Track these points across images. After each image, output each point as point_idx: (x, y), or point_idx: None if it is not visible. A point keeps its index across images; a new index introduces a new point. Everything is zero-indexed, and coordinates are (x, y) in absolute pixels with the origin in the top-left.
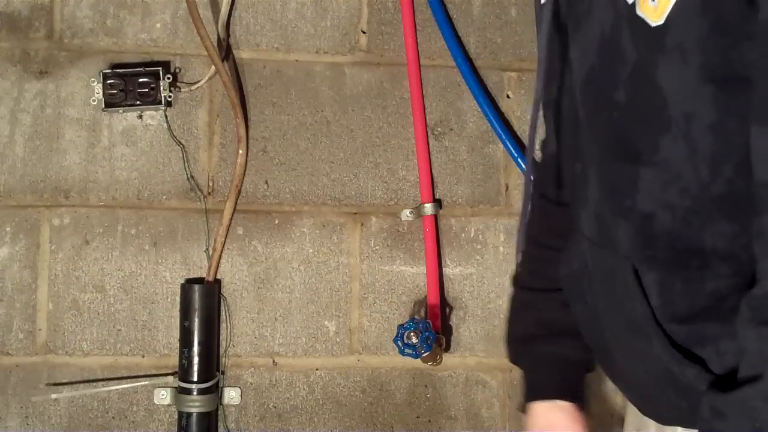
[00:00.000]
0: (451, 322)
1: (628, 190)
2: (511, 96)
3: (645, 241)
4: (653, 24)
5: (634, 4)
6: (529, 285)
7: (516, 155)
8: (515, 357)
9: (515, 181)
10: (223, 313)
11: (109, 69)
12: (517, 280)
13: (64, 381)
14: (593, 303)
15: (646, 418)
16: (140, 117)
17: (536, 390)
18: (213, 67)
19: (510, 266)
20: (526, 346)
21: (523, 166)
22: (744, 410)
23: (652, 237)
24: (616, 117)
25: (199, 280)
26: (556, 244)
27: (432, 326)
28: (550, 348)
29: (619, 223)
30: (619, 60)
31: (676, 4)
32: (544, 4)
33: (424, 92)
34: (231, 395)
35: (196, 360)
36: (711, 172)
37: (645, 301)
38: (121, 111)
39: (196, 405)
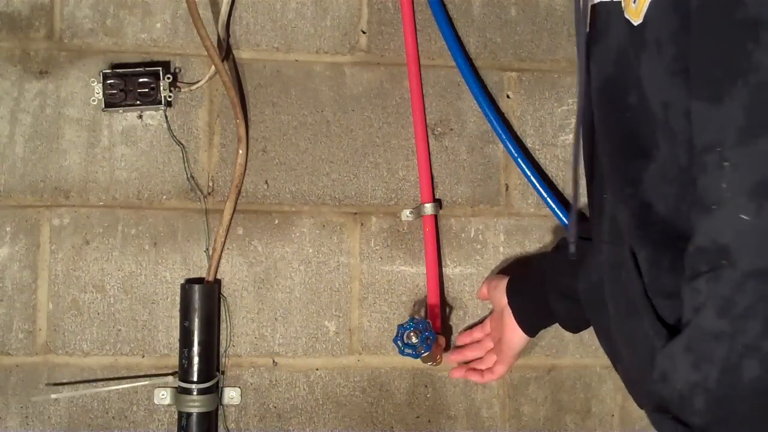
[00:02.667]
0: (451, 322)
1: (632, 181)
2: (511, 96)
3: (641, 224)
4: (635, 23)
5: (623, 9)
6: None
7: (516, 155)
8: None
9: (515, 181)
10: (223, 313)
11: (109, 69)
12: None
13: (64, 381)
14: (609, 307)
15: None
16: (140, 117)
17: (517, 285)
18: (213, 67)
19: (510, 266)
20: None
21: (524, 166)
22: (666, 360)
23: (647, 223)
24: (628, 117)
25: (199, 280)
26: None
27: (432, 326)
28: (554, 295)
29: (620, 209)
30: (629, 66)
31: (651, 2)
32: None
33: (424, 92)
34: (231, 395)
35: (196, 360)
36: (689, 157)
37: (639, 277)
38: (121, 111)
39: (196, 405)
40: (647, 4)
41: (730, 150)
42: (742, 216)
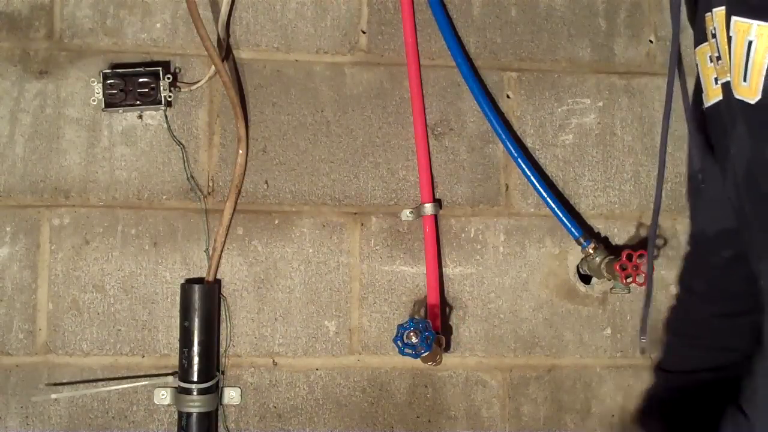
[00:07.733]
0: (451, 322)
1: None
2: (511, 96)
3: None
4: (753, 102)
5: (732, 92)
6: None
7: (516, 155)
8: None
9: (515, 181)
10: (223, 313)
11: (109, 69)
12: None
13: (64, 381)
14: None
15: None
16: (140, 117)
17: None
18: (213, 67)
19: (509, 266)
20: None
21: (524, 166)
22: None
23: None
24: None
25: (199, 280)
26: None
27: (432, 326)
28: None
29: None
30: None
31: (766, 76)
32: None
33: (424, 92)
34: (231, 395)
35: (196, 360)
36: None
37: None
38: (121, 111)
39: (196, 405)
40: (762, 78)
41: None
42: None
